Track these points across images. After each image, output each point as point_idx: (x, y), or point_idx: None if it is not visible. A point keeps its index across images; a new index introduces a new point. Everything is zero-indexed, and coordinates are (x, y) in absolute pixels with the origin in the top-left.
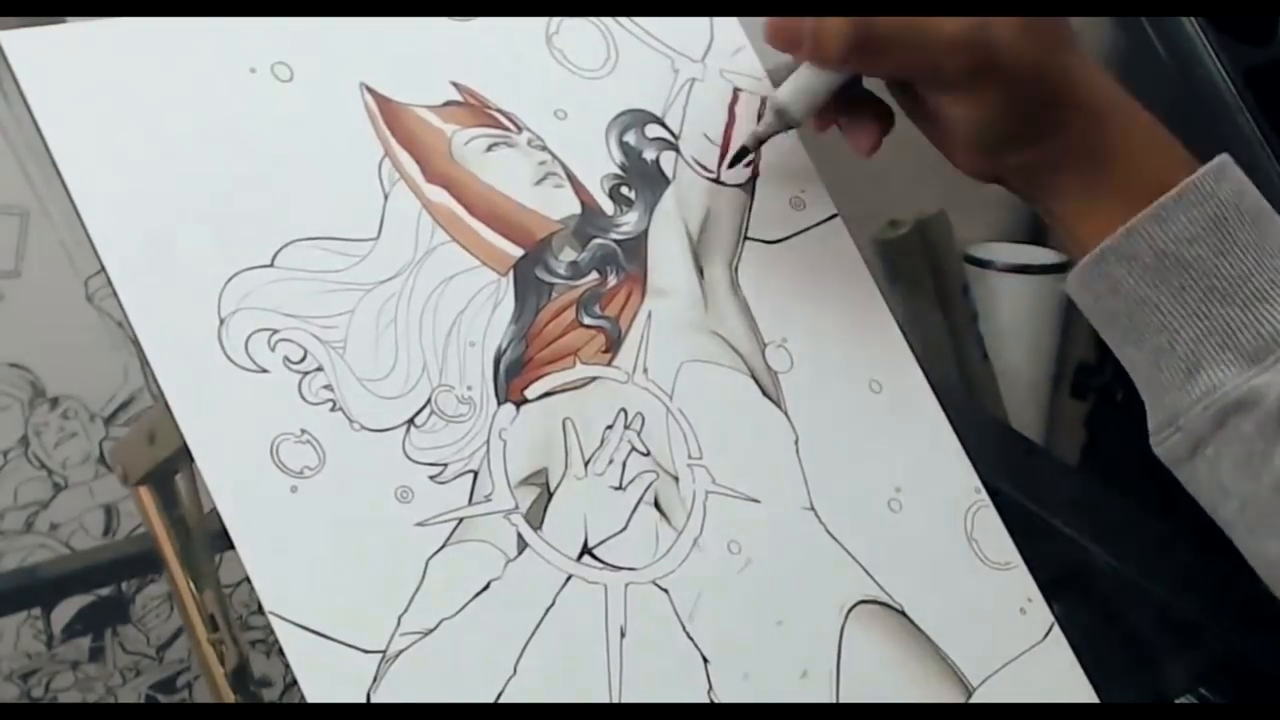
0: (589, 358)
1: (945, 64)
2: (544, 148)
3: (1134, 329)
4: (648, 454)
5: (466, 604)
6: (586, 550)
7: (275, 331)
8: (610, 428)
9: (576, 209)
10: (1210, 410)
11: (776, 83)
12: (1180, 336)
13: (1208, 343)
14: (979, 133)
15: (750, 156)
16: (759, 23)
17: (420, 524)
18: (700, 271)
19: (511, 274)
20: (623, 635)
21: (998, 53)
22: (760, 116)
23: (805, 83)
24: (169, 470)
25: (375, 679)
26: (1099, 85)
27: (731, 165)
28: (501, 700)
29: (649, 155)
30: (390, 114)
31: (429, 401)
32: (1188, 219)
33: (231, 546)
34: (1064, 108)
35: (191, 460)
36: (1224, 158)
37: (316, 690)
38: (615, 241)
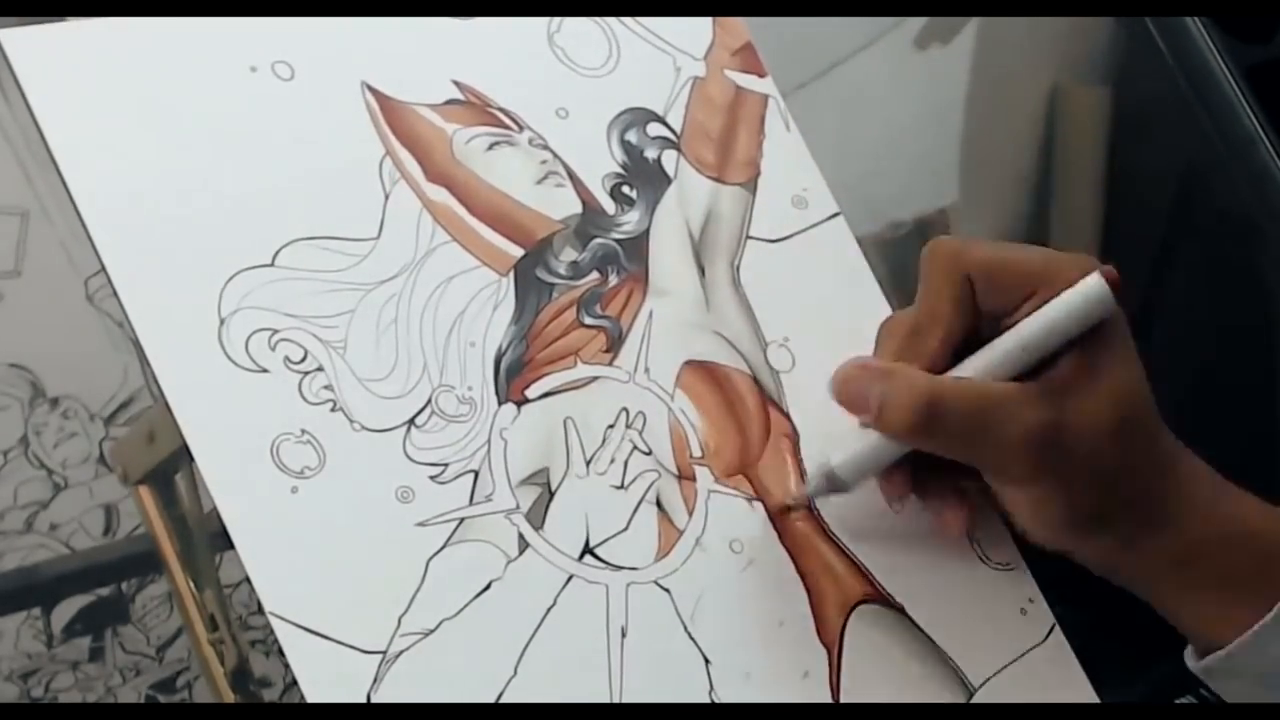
0: (590, 357)
1: (1010, 464)
2: (545, 146)
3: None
4: (649, 453)
5: (467, 604)
6: (588, 550)
7: (276, 331)
8: (612, 427)
9: (577, 208)
10: None
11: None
12: None
13: None
14: (1043, 520)
15: (796, 513)
16: (759, 22)
17: (421, 524)
18: (702, 270)
19: (512, 274)
20: (624, 635)
21: (1071, 455)
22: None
23: (863, 450)
24: (169, 470)
25: (375, 679)
26: (1190, 479)
27: (780, 515)
28: (502, 700)
29: (650, 154)
30: (391, 113)
31: (429, 401)
32: None
33: (231, 546)
34: (1149, 505)
35: (191, 460)
36: None
37: (316, 690)
38: (616, 241)
